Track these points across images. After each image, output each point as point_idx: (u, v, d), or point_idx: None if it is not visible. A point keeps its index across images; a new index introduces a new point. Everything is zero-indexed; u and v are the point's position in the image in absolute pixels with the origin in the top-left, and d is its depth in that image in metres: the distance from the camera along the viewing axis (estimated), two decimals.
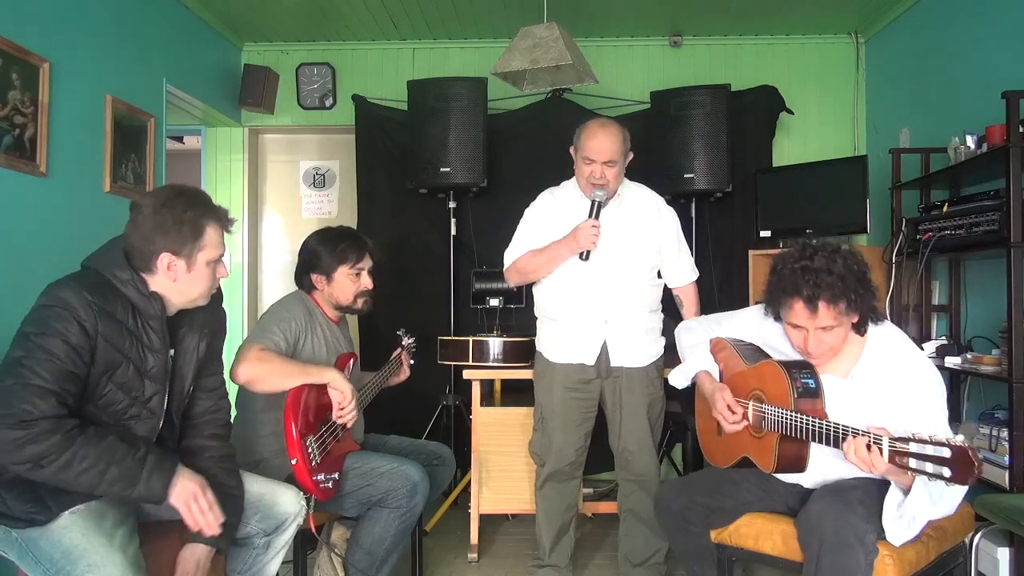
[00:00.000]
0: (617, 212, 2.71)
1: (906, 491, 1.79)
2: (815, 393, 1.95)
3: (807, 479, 2.11)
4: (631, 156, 2.72)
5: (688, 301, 2.86)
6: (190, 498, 1.71)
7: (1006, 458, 2.51)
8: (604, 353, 2.69)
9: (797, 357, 2.07)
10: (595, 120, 2.78)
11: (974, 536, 2.41)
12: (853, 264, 1.96)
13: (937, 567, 2.03)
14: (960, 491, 1.79)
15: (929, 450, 1.59)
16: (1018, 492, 2.43)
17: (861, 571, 1.78)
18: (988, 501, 2.25)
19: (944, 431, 1.80)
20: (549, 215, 2.77)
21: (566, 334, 2.73)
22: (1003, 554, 2.40)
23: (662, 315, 2.84)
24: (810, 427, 1.87)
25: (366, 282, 2.57)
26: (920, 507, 1.77)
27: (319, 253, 2.52)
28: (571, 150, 2.73)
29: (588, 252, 2.59)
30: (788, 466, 2.02)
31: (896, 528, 1.80)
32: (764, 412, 2.03)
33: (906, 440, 1.65)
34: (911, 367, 1.95)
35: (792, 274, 1.95)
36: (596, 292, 2.66)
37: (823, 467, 2.05)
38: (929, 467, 1.59)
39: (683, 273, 2.85)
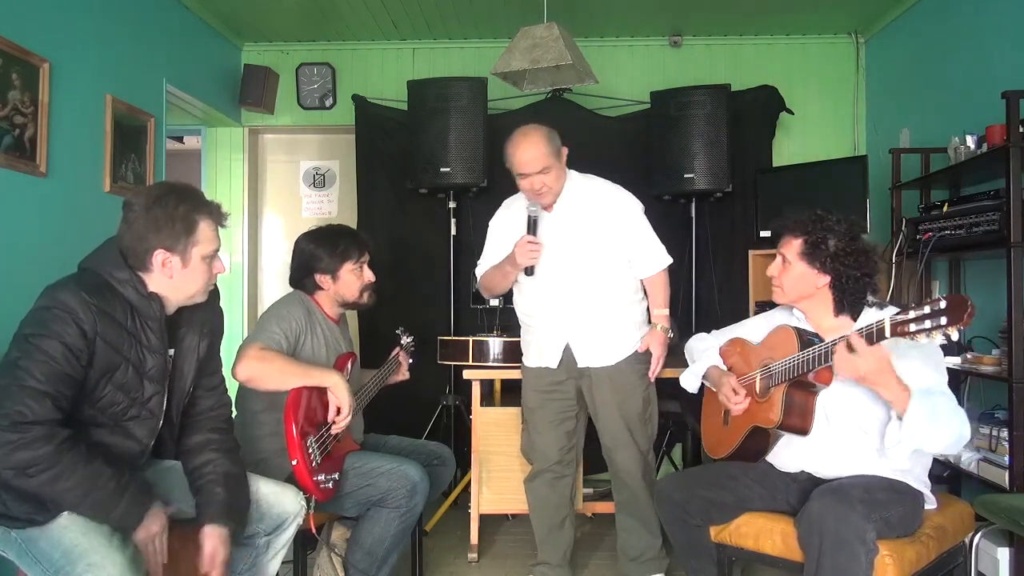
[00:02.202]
0: (560, 214, 2.65)
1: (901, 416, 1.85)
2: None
3: (812, 462, 2.12)
4: (565, 150, 2.62)
5: (653, 292, 2.71)
6: (150, 539, 1.71)
7: (1006, 458, 2.51)
8: (568, 355, 2.66)
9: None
10: (517, 131, 2.61)
11: (974, 536, 2.41)
12: (859, 240, 2.07)
13: (937, 567, 2.03)
14: (957, 421, 1.86)
15: (926, 309, 1.68)
16: (1018, 492, 2.43)
17: (862, 570, 1.79)
18: (988, 501, 2.25)
19: (941, 378, 1.95)
20: (505, 228, 2.75)
21: (532, 338, 2.75)
22: (1003, 554, 2.40)
23: (641, 307, 2.73)
24: (816, 354, 1.95)
25: (369, 275, 2.59)
26: (917, 422, 1.82)
27: (319, 255, 2.52)
28: (507, 166, 2.63)
29: (532, 267, 2.56)
30: (793, 422, 2.05)
31: (899, 450, 1.87)
32: (772, 370, 2.09)
33: (905, 310, 1.73)
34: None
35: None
36: (553, 296, 2.64)
37: (829, 445, 2.07)
38: (928, 323, 1.67)
39: (647, 263, 2.70)
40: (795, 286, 2.13)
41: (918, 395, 1.82)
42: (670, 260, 2.74)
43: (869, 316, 2.07)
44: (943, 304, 1.65)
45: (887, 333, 1.76)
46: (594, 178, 2.75)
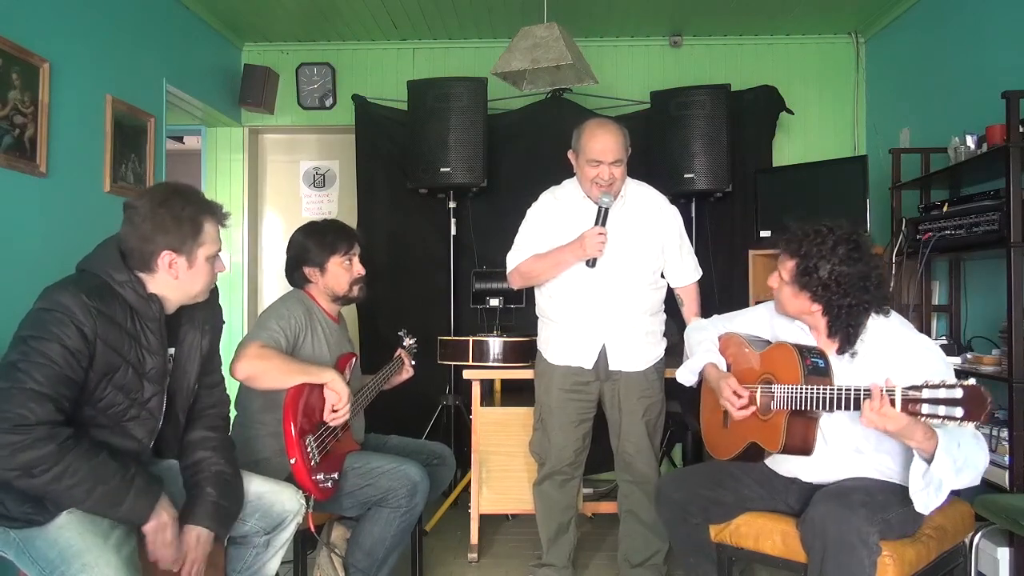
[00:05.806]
0: (621, 214, 2.67)
1: (928, 459, 1.79)
2: (824, 372, 1.98)
3: (806, 471, 2.11)
4: (629, 151, 2.68)
5: (689, 300, 2.82)
6: (160, 529, 1.71)
7: (1006, 458, 2.51)
8: (603, 357, 2.67)
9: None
10: (592, 120, 2.71)
11: (974, 536, 2.41)
12: (859, 264, 1.98)
13: (937, 567, 2.03)
14: (981, 456, 1.83)
15: (941, 393, 1.62)
16: (1018, 492, 2.43)
17: (865, 572, 1.78)
18: (988, 501, 2.25)
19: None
20: (551, 217, 2.73)
21: (565, 336, 2.72)
22: (1003, 554, 2.40)
23: (664, 316, 2.81)
24: (823, 395, 1.90)
25: (358, 268, 2.59)
26: (944, 472, 1.78)
27: (308, 247, 2.53)
28: (570, 154, 2.68)
29: (595, 259, 2.56)
30: (795, 445, 2.03)
31: (924, 497, 1.81)
32: (774, 391, 2.05)
33: (918, 387, 1.67)
34: (913, 344, 1.97)
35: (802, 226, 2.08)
36: (597, 296, 2.63)
37: (823, 460, 2.06)
38: (942, 410, 1.61)
39: (686, 273, 2.80)
40: (789, 304, 2.10)
41: (945, 444, 1.76)
42: (701, 273, 2.86)
43: (878, 322, 2.03)
44: (959, 394, 1.58)
45: (897, 406, 1.70)
46: (644, 184, 2.81)
